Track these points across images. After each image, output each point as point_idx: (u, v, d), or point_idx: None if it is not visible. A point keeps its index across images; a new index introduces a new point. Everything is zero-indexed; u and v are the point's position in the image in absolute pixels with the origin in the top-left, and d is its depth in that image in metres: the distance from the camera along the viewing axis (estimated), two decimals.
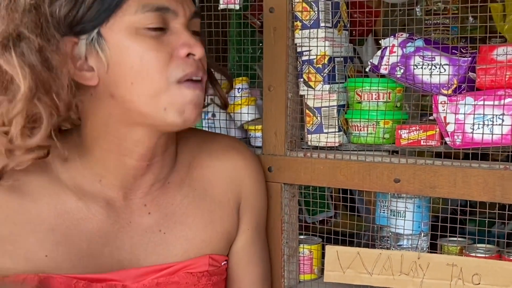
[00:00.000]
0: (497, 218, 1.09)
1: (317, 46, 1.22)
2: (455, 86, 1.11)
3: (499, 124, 1.06)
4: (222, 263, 1.15)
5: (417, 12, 1.71)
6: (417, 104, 1.42)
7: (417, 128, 1.14)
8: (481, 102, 1.08)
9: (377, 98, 1.19)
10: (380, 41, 1.20)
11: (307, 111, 1.25)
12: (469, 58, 1.11)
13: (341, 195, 1.72)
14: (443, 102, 1.12)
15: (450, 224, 1.10)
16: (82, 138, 1.05)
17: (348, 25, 1.28)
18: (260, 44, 1.45)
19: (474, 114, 1.08)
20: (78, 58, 0.98)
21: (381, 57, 1.18)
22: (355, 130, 1.22)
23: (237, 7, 1.29)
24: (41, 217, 1.01)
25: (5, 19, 0.94)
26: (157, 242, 1.09)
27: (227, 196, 1.16)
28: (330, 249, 1.18)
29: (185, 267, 1.10)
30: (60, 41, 0.95)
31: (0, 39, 0.93)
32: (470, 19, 1.60)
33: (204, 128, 1.39)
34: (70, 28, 0.96)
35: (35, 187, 1.02)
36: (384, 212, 1.25)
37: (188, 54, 0.99)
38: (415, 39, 1.15)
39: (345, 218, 1.63)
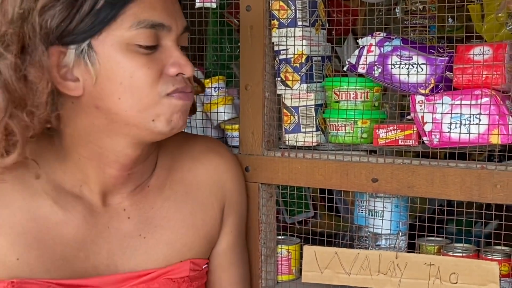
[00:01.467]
0: (476, 218, 1.10)
1: (294, 45, 1.21)
2: (432, 85, 1.11)
3: (476, 124, 1.06)
4: (203, 267, 1.14)
5: (397, 13, 1.72)
6: (395, 103, 1.42)
7: (395, 127, 1.14)
8: (458, 102, 1.08)
9: (355, 97, 1.19)
10: (357, 40, 1.19)
11: (284, 110, 1.24)
12: (446, 58, 1.10)
13: (319, 195, 1.72)
14: (420, 102, 1.12)
15: (430, 224, 1.10)
16: (62, 143, 1.03)
17: (326, 24, 1.27)
18: (238, 43, 1.44)
19: (451, 113, 1.08)
20: (63, 67, 0.95)
21: (359, 56, 1.17)
22: (333, 130, 1.21)
23: (214, 5, 1.28)
24: (13, 220, 0.99)
25: None
26: (136, 247, 1.08)
27: (210, 199, 1.15)
28: (308, 249, 1.18)
29: (166, 273, 1.08)
30: (45, 51, 0.91)
31: None
32: (450, 20, 1.60)
33: None
34: (59, 38, 0.93)
35: (9, 191, 1.00)
36: (362, 212, 1.24)
37: (178, 74, 0.99)
38: (393, 39, 1.15)
39: (325, 219, 1.63)
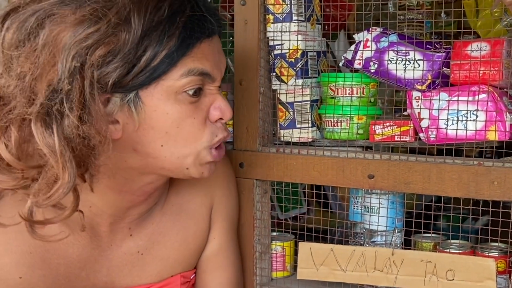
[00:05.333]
0: (470, 214, 1.09)
1: (289, 40, 1.20)
2: (429, 81, 1.10)
3: (473, 120, 1.06)
4: (191, 277, 1.15)
5: (390, 8, 1.71)
6: (390, 99, 1.41)
7: (391, 123, 1.13)
8: (455, 98, 1.07)
9: (351, 93, 1.18)
10: (353, 36, 1.18)
11: (279, 106, 1.23)
12: (443, 54, 1.10)
13: (313, 191, 1.71)
14: (417, 98, 1.11)
15: (423, 220, 1.10)
16: None
17: (321, 19, 1.26)
18: (231, 38, 1.42)
19: (448, 109, 1.07)
20: (107, 112, 0.90)
21: (355, 52, 1.16)
22: (329, 126, 1.20)
23: None
24: (20, 238, 0.97)
25: (36, 81, 0.83)
26: (134, 264, 1.07)
27: (200, 210, 1.14)
28: (304, 246, 1.17)
29: None
30: (102, 107, 0.87)
31: (38, 110, 0.83)
32: (443, 15, 1.60)
33: None
34: (111, 88, 0.88)
35: (19, 208, 0.94)
36: (357, 209, 1.23)
37: (217, 120, 0.99)
38: (389, 34, 1.14)
39: (318, 215, 1.62)
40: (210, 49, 0.96)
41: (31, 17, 0.87)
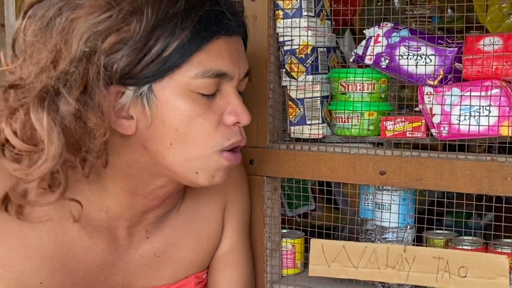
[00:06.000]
0: (481, 210, 1.08)
1: (299, 36, 1.19)
2: (441, 76, 1.09)
3: (486, 115, 1.05)
4: (204, 277, 1.15)
5: (396, 3, 1.70)
6: (397, 95, 1.40)
7: (403, 119, 1.13)
8: (468, 93, 1.06)
9: (361, 89, 1.17)
10: (364, 31, 1.17)
11: (289, 102, 1.23)
12: (455, 49, 1.09)
13: (319, 187, 1.70)
14: (429, 93, 1.11)
15: (429, 216, 1.09)
16: (96, 170, 0.96)
17: (332, 15, 1.25)
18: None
19: (460, 105, 1.07)
20: (119, 104, 0.91)
21: (366, 47, 1.15)
22: (339, 122, 1.19)
23: None
24: (40, 244, 0.96)
25: (47, 65, 0.86)
26: (150, 266, 1.07)
27: (214, 212, 1.14)
28: (315, 243, 1.16)
29: None
30: (106, 96, 0.87)
31: (39, 89, 0.85)
32: (449, 10, 1.59)
33: None
34: (121, 79, 0.89)
35: (37, 213, 0.95)
36: (368, 205, 1.23)
37: (234, 123, 0.96)
38: (400, 29, 1.13)
39: (325, 212, 1.61)
40: (228, 47, 0.94)
41: (52, 7, 0.88)
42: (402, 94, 1.51)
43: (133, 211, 1.01)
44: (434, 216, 1.10)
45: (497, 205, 1.06)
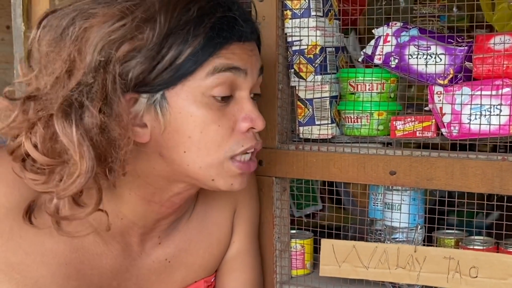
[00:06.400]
0: (495, 208, 1.08)
1: (308, 36, 1.18)
2: (451, 76, 1.09)
3: (497, 115, 1.04)
4: (212, 280, 1.15)
5: (401, 2, 1.70)
6: (402, 94, 1.40)
7: (413, 119, 1.12)
8: (478, 92, 1.06)
9: (370, 88, 1.17)
10: (372, 30, 1.17)
11: (298, 102, 1.22)
12: (466, 48, 1.08)
13: (323, 187, 1.70)
14: (439, 93, 1.10)
15: (437, 216, 1.09)
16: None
17: (340, 15, 1.25)
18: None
19: (471, 104, 1.06)
20: (133, 112, 0.90)
21: (375, 47, 1.15)
22: (349, 122, 1.19)
23: None
24: (56, 250, 0.95)
25: (62, 75, 0.85)
26: (161, 271, 1.07)
27: (224, 216, 1.14)
28: (326, 243, 1.16)
29: None
30: (125, 102, 0.87)
31: (61, 102, 0.84)
32: (455, 9, 1.58)
33: None
34: (135, 87, 0.88)
35: (68, 227, 0.94)
36: (377, 205, 1.22)
37: (249, 129, 0.96)
38: (410, 28, 1.12)
39: (332, 211, 1.61)
40: (241, 51, 0.93)
41: (66, 17, 0.88)
42: (408, 93, 1.50)
43: (147, 218, 1.01)
44: (445, 216, 1.10)
45: (508, 204, 1.05)
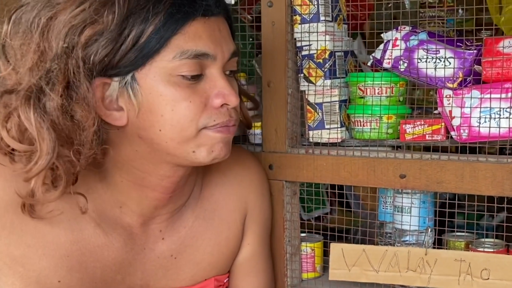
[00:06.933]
0: (509, 211, 1.08)
1: (317, 41, 1.19)
2: (460, 79, 1.09)
3: (507, 117, 1.05)
4: (225, 281, 1.15)
5: (407, 5, 1.70)
6: (409, 97, 1.40)
7: (422, 122, 1.13)
8: (488, 95, 1.06)
9: (380, 92, 1.17)
10: (382, 35, 1.18)
11: (308, 107, 1.23)
12: (475, 51, 1.09)
13: (331, 190, 1.70)
14: (448, 96, 1.11)
15: (444, 218, 1.10)
16: (104, 166, 1.00)
17: (348, 19, 1.25)
18: (251, 39, 1.41)
19: (480, 107, 1.07)
20: (108, 97, 0.93)
21: (384, 51, 1.15)
22: (358, 126, 1.19)
23: (232, 1, 1.26)
24: (57, 242, 0.97)
25: (33, 66, 0.89)
26: (167, 267, 1.07)
27: (234, 215, 1.14)
28: (335, 247, 1.16)
29: None
30: (89, 88, 0.89)
31: (25, 89, 0.88)
32: (460, 11, 1.59)
33: None
34: (103, 71, 0.91)
35: (47, 208, 0.96)
36: (386, 208, 1.23)
37: (222, 105, 0.96)
38: (419, 32, 1.13)
39: (339, 214, 1.61)
40: (206, 28, 0.94)
41: (33, 9, 0.91)
42: (413, 96, 1.51)
43: (144, 205, 1.02)
44: (455, 218, 1.10)
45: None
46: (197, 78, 0.95)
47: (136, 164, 0.99)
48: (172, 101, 0.93)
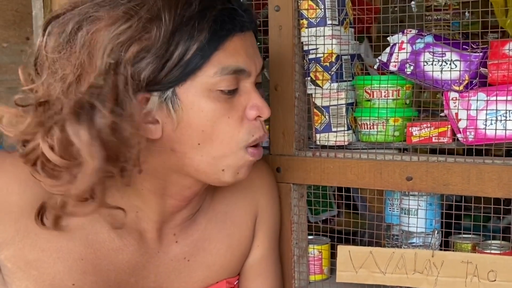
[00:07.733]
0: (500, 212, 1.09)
1: (324, 44, 1.20)
2: (466, 82, 1.10)
3: None
4: (235, 283, 1.16)
5: (413, 8, 1.71)
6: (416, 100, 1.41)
7: (428, 125, 1.13)
8: (494, 98, 1.07)
9: (386, 95, 1.18)
10: (388, 38, 1.18)
11: (315, 110, 1.24)
12: (481, 54, 1.10)
13: (338, 193, 1.71)
14: (454, 99, 1.11)
15: (451, 220, 1.10)
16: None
17: (355, 23, 1.26)
18: (258, 43, 1.42)
19: (486, 110, 1.07)
20: (145, 111, 0.93)
21: (390, 54, 1.16)
22: (365, 128, 1.20)
23: None
24: (71, 246, 0.98)
25: (73, 81, 0.87)
26: (180, 270, 1.08)
27: (245, 218, 1.15)
28: (342, 249, 1.17)
29: None
30: (136, 105, 0.89)
31: (73, 105, 0.87)
32: (466, 14, 1.59)
33: None
34: (146, 86, 0.91)
35: (71, 223, 0.97)
36: (393, 211, 1.23)
37: (256, 117, 0.99)
38: (425, 35, 1.14)
39: (346, 217, 1.62)
40: (243, 44, 0.96)
41: (70, 22, 0.91)
42: (420, 98, 1.51)
43: (161, 212, 1.03)
44: (462, 220, 1.11)
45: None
46: (233, 92, 0.96)
47: (160, 175, 0.99)
48: (213, 116, 0.95)
